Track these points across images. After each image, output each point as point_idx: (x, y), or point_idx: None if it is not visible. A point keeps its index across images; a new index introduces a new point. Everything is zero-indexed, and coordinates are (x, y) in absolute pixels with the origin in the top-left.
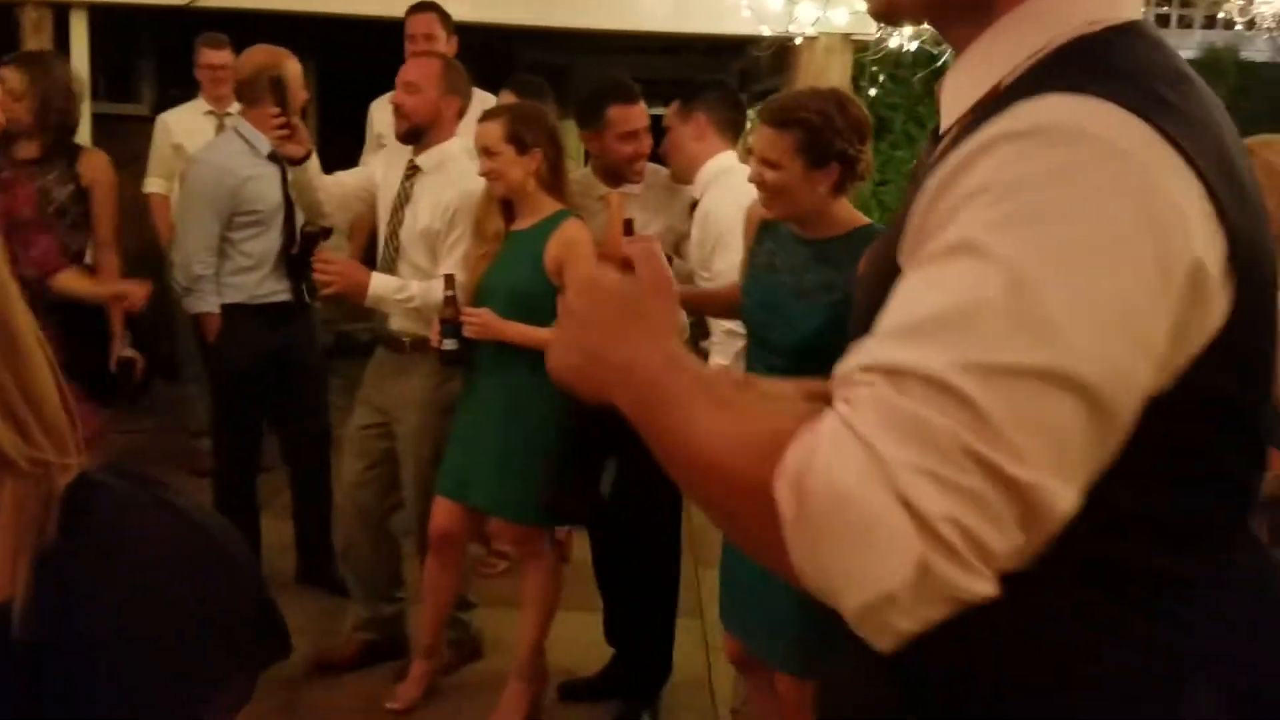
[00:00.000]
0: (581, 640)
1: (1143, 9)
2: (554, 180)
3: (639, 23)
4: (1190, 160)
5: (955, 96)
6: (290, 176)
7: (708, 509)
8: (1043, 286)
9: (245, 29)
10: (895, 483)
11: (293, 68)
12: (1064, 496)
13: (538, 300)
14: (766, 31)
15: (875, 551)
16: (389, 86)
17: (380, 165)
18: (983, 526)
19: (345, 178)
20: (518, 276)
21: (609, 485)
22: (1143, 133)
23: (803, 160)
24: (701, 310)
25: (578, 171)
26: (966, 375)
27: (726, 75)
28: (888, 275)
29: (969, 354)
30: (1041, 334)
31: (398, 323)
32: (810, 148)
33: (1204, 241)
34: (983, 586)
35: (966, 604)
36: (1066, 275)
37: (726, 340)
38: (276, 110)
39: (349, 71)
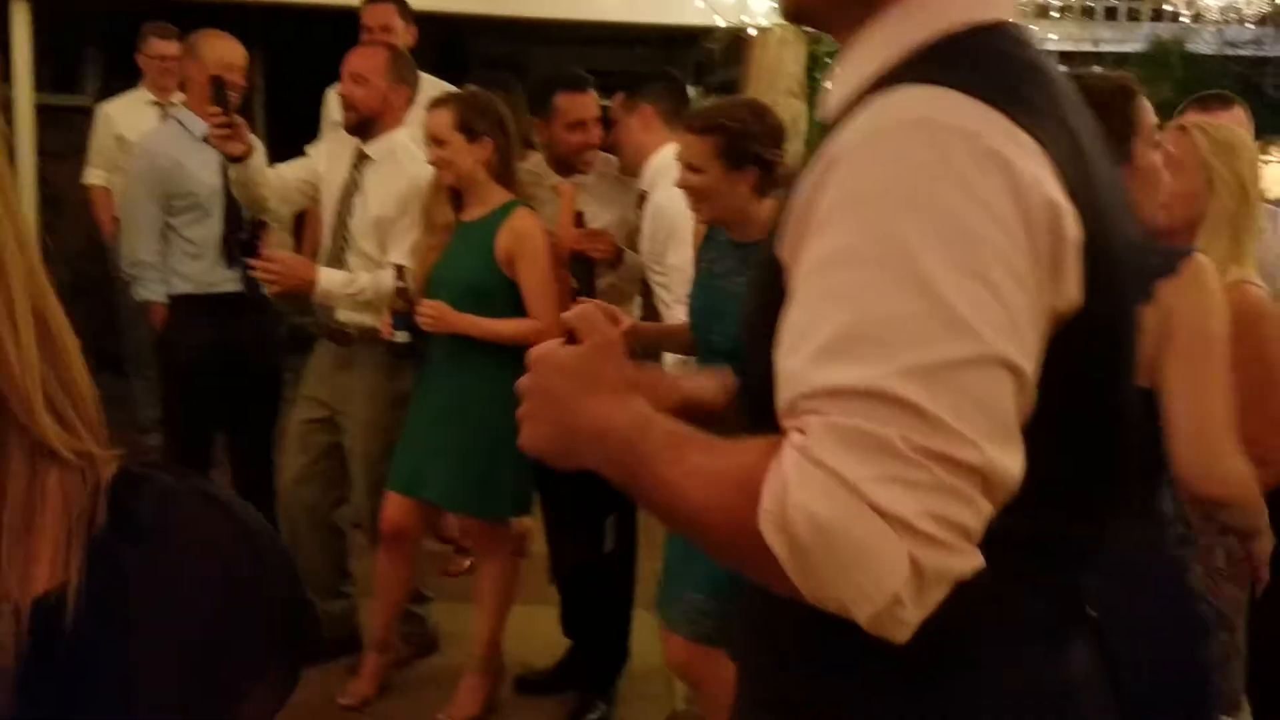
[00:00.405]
0: (538, 633)
1: (1016, 9)
2: (504, 170)
3: (593, 13)
4: (1044, 147)
5: (835, 92)
6: (231, 174)
7: (709, 551)
8: (940, 281)
9: (192, 18)
10: (867, 498)
11: (216, 46)
12: (1014, 463)
13: (489, 292)
14: (720, 23)
15: (870, 566)
16: (339, 75)
17: (322, 156)
18: (957, 511)
19: (286, 170)
20: (468, 268)
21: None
22: (994, 119)
23: (722, 163)
24: (660, 346)
25: (530, 160)
26: (902, 381)
27: (682, 67)
28: (769, 270)
29: (899, 361)
30: (955, 326)
31: (344, 315)
32: (728, 151)
33: (1065, 222)
34: (971, 561)
35: (964, 578)
36: (955, 264)
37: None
38: (217, 109)
39: (297, 61)
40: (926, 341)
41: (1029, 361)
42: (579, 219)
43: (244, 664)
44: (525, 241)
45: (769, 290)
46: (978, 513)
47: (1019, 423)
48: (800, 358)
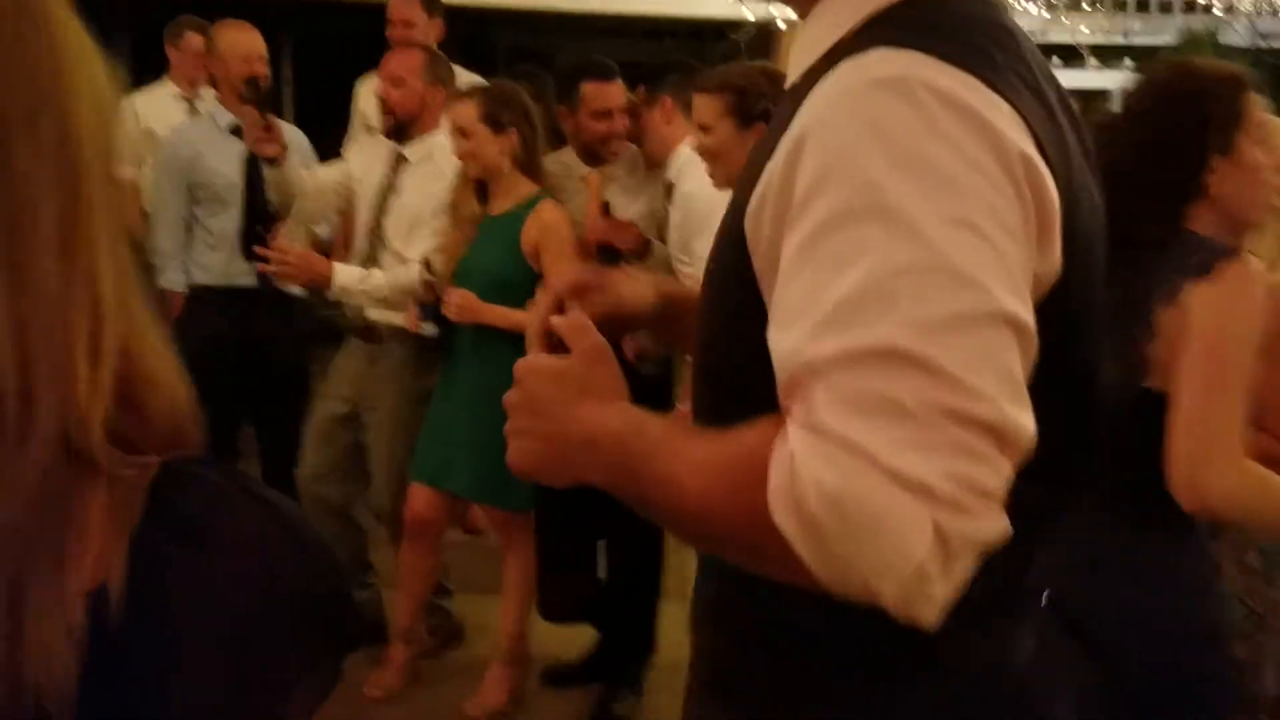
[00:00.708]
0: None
1: None
2: (529, 161)
3: (621, 5)
4: (1018, 111)
5: (798, 58)
6: (267, 176)
7: (716, 549)
8: (936, 235)
9: (220, 10)
10: (880, 464)
11: (234, 37)
12: (1027, 421)
13: (515, 284)
14: (748, 16)
15: (890, 536)
16: (368, 66)
17: (357, 157)
18: (977, 470)
19: (321, 173)
20: (494, 260)
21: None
22: (966, 80)
23: (732, 121)
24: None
25: (559, 152)
26: (910, 336)
27: (710, 60)
28: (733, 247)
29: (905, 317)
30: (959, 280)
31: (374, 313)
32: (738, 109)
33: (1047, 182)
34: (997, 525)
35: (989, 547)
36: (949, 217)
37: None
38: (252, 110)
39: (326, 52)
40: (931, 297)
41: (1030, 317)
42: (605, 209)
43: (288, 661)
44: (551, 233)
45: (733, 268)
46: (998, 473)
47: (1025, 381)
48: (798, 331)
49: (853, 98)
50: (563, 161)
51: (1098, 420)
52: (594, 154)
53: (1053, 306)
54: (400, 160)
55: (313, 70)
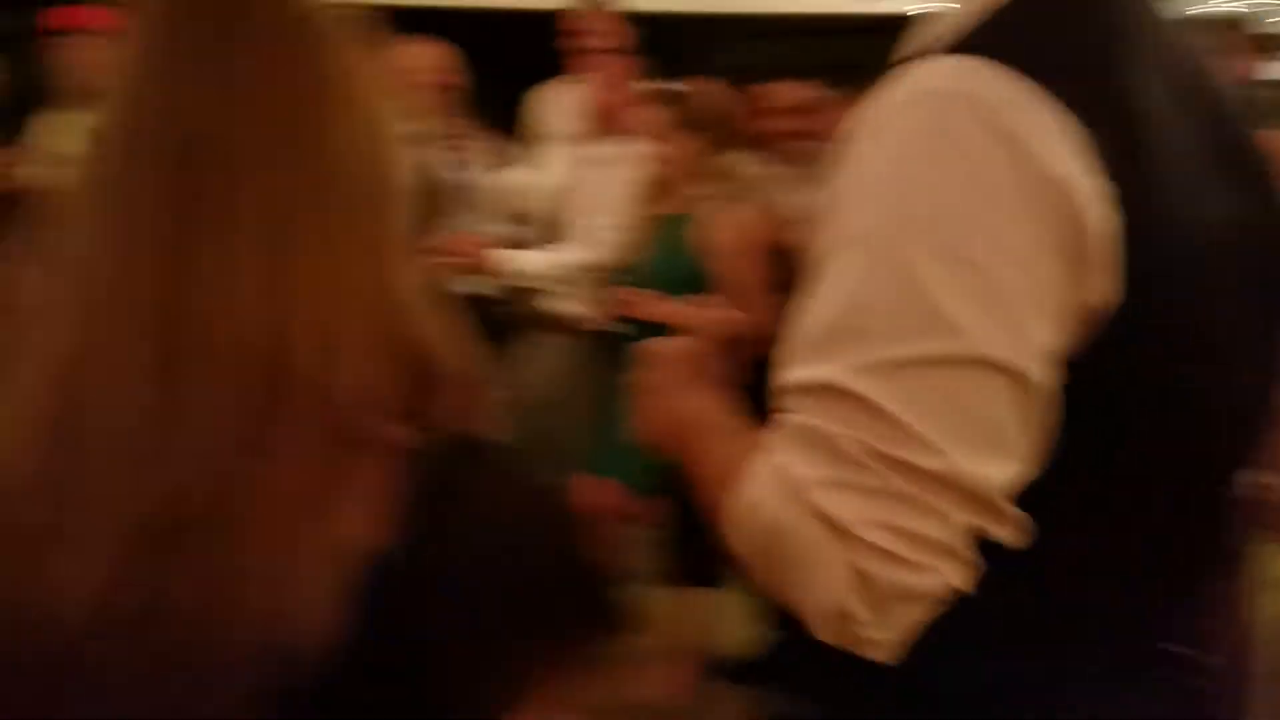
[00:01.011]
0: (735, 619)
1: None
2: (710, 164)
3: (797, 5)
4: (1081, 124)
5: (903, 48)
6: (451, 180)
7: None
8: (926, 272)
9: (398, 23)
10: (809, 501)
11: (414, 54)
12: (996, 472)
13: (691, 283)
14: (920, 10)
15: (810, 570)
16: (540, 78)
17: (543, 158)
18: (915, 522)
19: (505, 176)
20: (672, 260)
21: None
22: (1020, 91)
23: None
24: None
25: (736, 153)
26: (864, 377)
27: (885, 57)
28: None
29: (867, 356)
30: (936, 322)
31: (552, 302)
32: None
33: (1085, 207)
34: (935, 578)
35: (941, 598)
36: (946, 252)
37: None
38: (444, 118)
39: (499, 62)
40: (901, 336)
41: (1035, 360)
42: (774, 209)
43: (544, 628)
44: (724, 233)
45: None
46: (947, 527)
47: (1025, 427)
48: (787, 352)
49: (889, 111)
50: (735, 162)
51: (1207, 459)
52: (772, 154)
53: (1118, 332)
54: (586, 162)
55: (480, 83)
